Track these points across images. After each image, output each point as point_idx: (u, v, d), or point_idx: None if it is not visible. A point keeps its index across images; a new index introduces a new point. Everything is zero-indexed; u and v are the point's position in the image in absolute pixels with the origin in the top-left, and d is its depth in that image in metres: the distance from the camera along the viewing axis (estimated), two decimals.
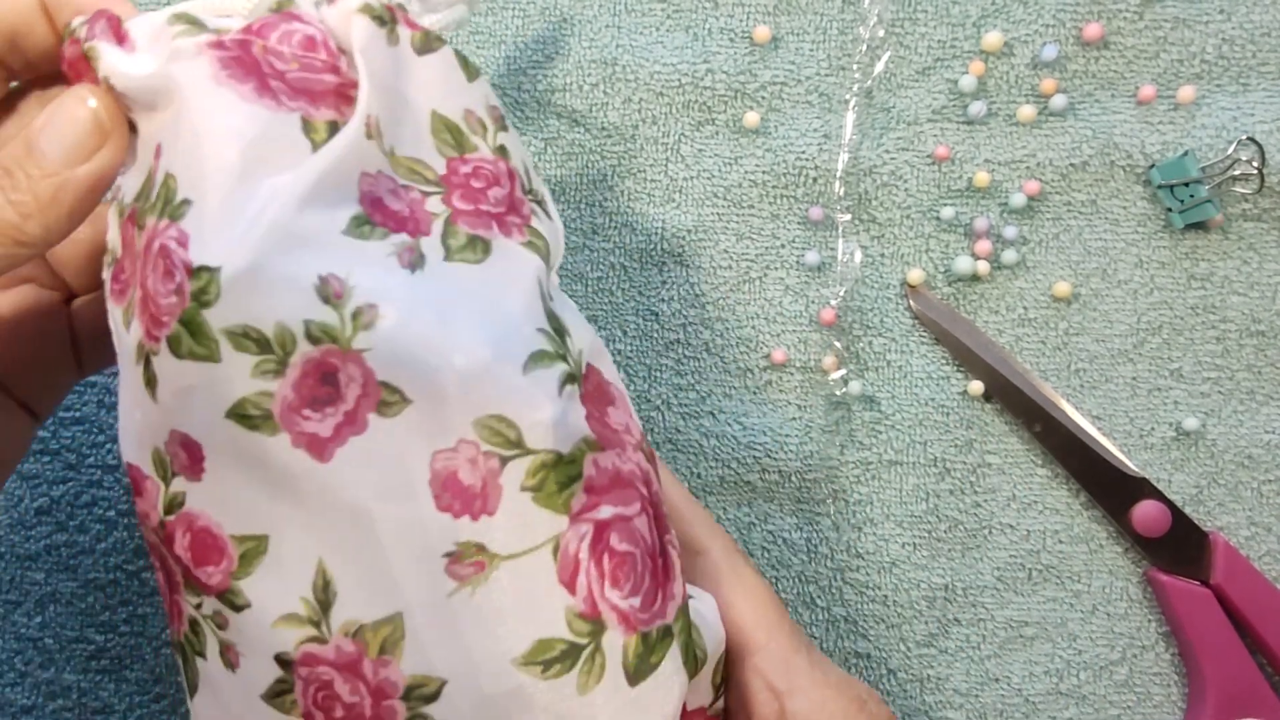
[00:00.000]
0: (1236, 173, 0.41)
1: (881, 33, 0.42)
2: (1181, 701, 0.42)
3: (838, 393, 0.42)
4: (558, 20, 0.42)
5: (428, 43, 0.27)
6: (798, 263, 0.42)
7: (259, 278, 0.23)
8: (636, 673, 0.26)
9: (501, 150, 0.28)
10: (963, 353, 0.42)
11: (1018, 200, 0.42)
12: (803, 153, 0.42)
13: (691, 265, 0.42)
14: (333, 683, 0.25)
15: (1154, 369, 0.42)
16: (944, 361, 0.42)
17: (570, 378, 0.27)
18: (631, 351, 0.42)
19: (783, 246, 0.42)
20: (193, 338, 0.23)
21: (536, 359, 0.26)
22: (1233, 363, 0.42)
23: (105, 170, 0.26)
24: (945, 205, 0.42)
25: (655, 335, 0.42)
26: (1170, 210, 0.42)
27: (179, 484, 0.25)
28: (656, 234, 0.42)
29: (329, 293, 0.24)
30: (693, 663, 0.28)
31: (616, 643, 0.26)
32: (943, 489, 0.42)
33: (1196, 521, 0.41)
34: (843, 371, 0.42)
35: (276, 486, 0.24)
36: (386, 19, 0.26)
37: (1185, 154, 0.41)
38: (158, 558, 0.27)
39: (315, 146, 0.25)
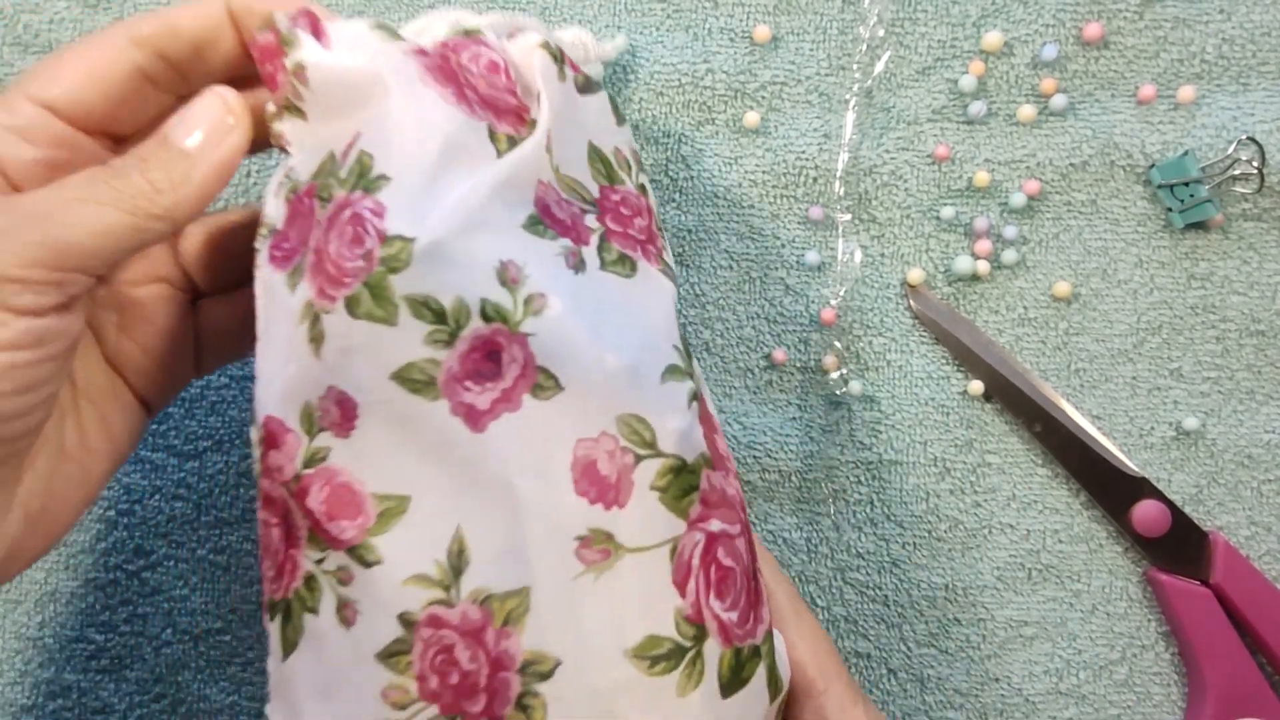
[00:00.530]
0: (1236, 173, 0.41)
1: (881, 32, 0.42)
2: (1181, 701, 0.42)
3: (837, 392, 0.42)
4: (558, 20, 0.42)
5: (589, 85, 0.31)
6: (798, 263, 0.42)
7: (447, 253, 0.25)
8: (729, 685, 0.28)
9: (643, 188, 0.32)
10: (963, 353, 0.42)
11: (1018, 200, 0.42)
12: (803, 153, 0.42)
13: (692, 265, 0.42)
14: (454, 648, 0.26)
15: (1154, 369, 0.42)
16: (944, 361, 0.42)
17: (694, 395, 0.29)
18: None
19: (783, 246, 0.42)
20: (374, 300, 0.25)
21: (671, 372, 0.28)
22: (1233, 363, 0.42)
23: (233, 155, 0.28)
24: (945, 205, 0.42)
25: None
26: (1170, 210, 0.42)
27: (324, 439, 0.26)
28: None
29: (506, 277, 0.26)
30: (775, 687, 0.29)
31: (714, 652, 0.27)
32: (943, 489, 0.42)
33: (1196, 521, 0.41)
34: (842, 371, 0.42)
35: (426, 451, 0.26)
36: (558, 58, 0.30)
37: (1185, 154, 0.41)
38: (279, 513, 0.28)
39: (499, 153, 0.27)
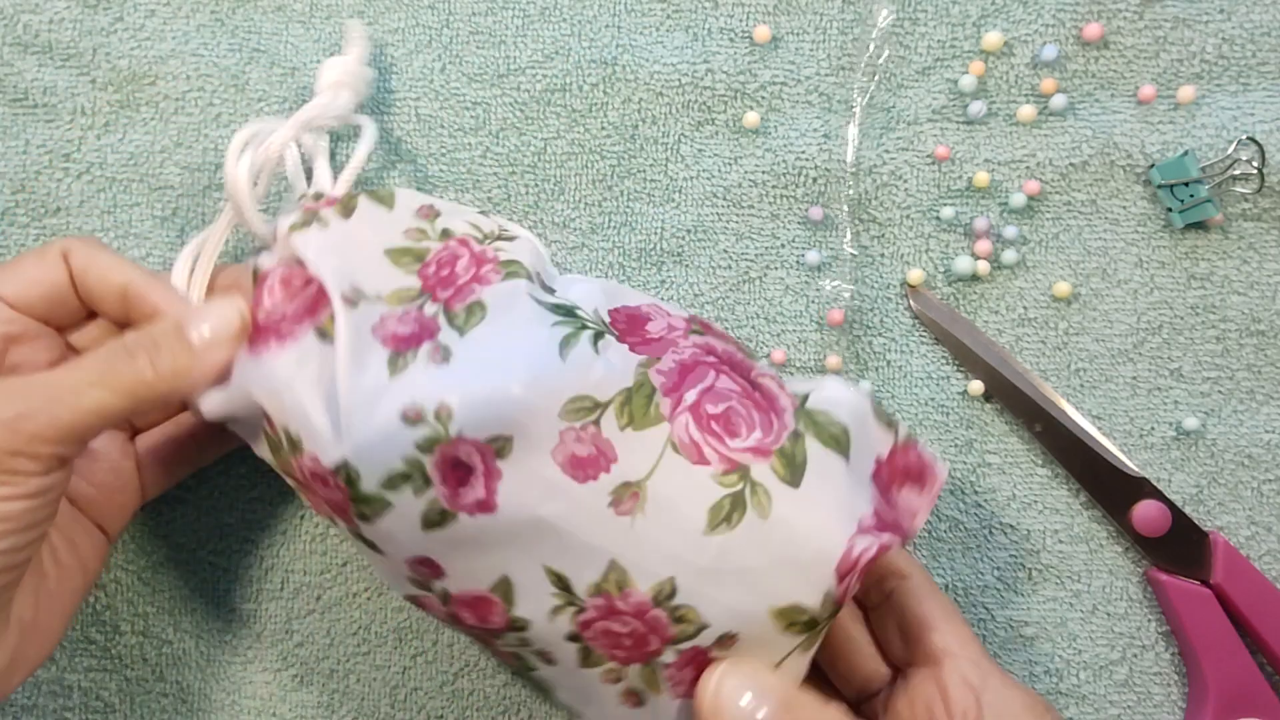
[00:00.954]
0: (1236, 172, 0.41)
1: (883, 29, 0.42)
2: (1181, 701, 0.42)
3: None
4: (558, 20, 0.42)
5: (347, 207, 0.35)
6: (798, 263, 0.42)
7: (370, 446, 0.30)
8: (793, 476, 0.32)
9: (445, 233, 0.35)
10: (963, 353, 0.42)
11: (1018, 200, 0.42)
12: (803, 153, 0.42)
13: (691, 265, 0.42)
14: (609, 627, 0.32)
15: (1154, 369, 0.42)
16: (944, 361, 0.42)
17: (598, 334, 0.33)
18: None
19: (783, 246, 0.42)
20: (366, 505, 0.31)
21: (566, 343, 0.32)
22: (1233, 363, 0.42)
23: (229, 359, 0.33)
24: (945, 205, 0.42)
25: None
26: (1170, 210, 0.42)
27: (437, 586, 0.33)
28: (656, 234, 0.42)
29: (412, 417, 0.30)
30: (833, 440, 0.33)
31: (764, 471, 0.32)
32: (943, 489, 0.42)
33: (1196, 521, 0.41)
34: (846, 372, 0.42)
35: (484, 545, 0.32)
36: (309, 219, 0.34)
37: (1185, 154, 0.41)
38: (463, 629, 0.35)
39: (333, 339, 0.32)
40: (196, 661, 0.42)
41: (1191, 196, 0.41)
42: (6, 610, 0.32)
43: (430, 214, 0.36)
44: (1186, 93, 0.41)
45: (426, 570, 0.33)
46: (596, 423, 0.32)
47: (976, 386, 0.42)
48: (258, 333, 0.33)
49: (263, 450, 0.34)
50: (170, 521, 0.42)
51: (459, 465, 0.31)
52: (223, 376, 0.33)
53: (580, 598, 0.32)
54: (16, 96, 0.42)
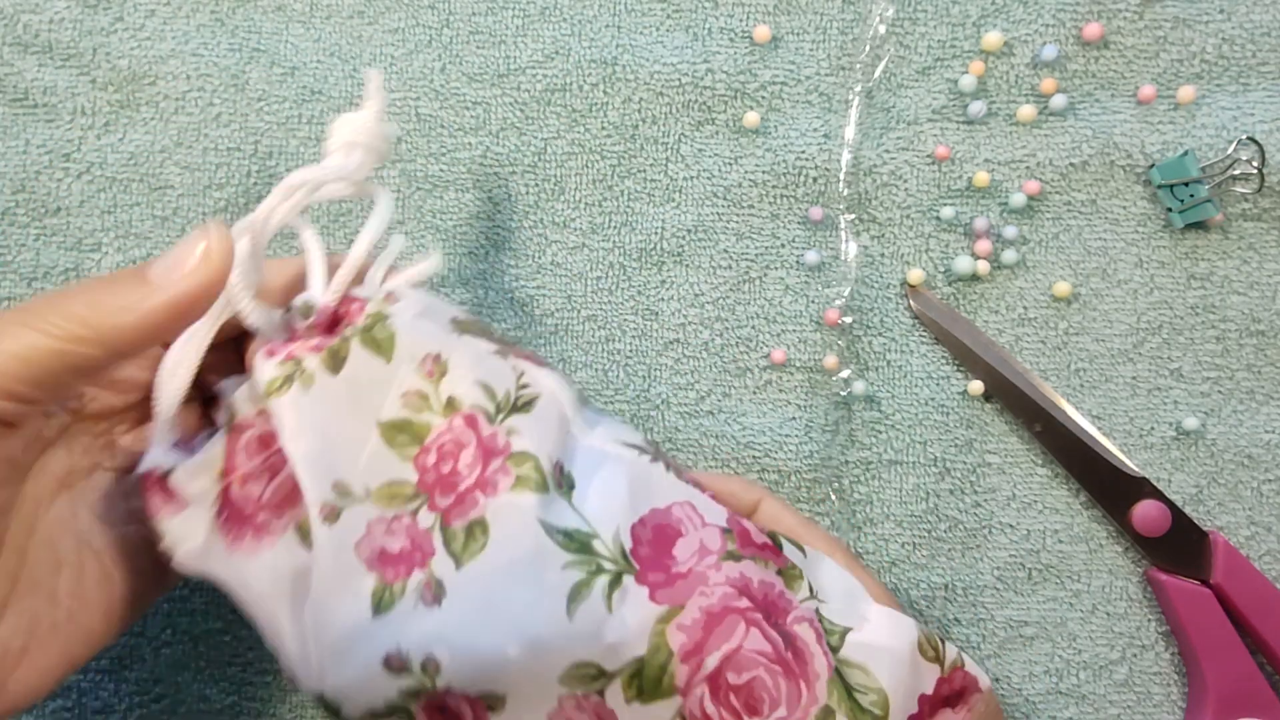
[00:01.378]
0: (1236, 172, 0.41)
1: (883, 29, 0.42)
2: (1181, 701, 0.42)
3: (841, 393, 0.42)
4: (558, 20, 0.42)
5: (336, 358, 0.30)
6: (798, 263, 0.42)
7: (348, 687, 0.28)
8: None
9: (450, 404, 0.31)
10: (963, 353, 0.42)
11: (1018, 200, 0.42)
12: (803, 153, 0.42)
13: (691, 265, 0.42)
14: None
15: (1154, 369, 0.42)
16: (944, 361, 0.42)
17: (615, 578, 0.29)
18: (631, 351, 0.42)
19: (783, 246, 0.42)
20: None
21: (576, 595, 0.29)
22: (1233, 363, 0.42)
23: (191, 292, 0.28)
24: (945, 205, 0.42)
25: (655, 335, 0.42)
26: (1170, 210, 0.42)
27: None
28: (656, 234, 0.42)
29: (395, 667, 0.28)
30: (867, 715, 0.30)
31: None
32: (943, 489, 0.42)
33: (1196, 521, 0.41)
34: (847, 372, 0.42)
35: None
36: (289, 374, 0.29)
37: (1185, 154, 0.41)
38: None
39: (311, 545, 0.29)
40: (196, 663, 0.42)
41: (1191, 196, 0.41)
42: None
43: (436, 370, 0.31)
44: (1186, 93, 0.41)
45: None
46: (600, 693, 0.29)
47: (976, 386, 0.42)
48: (233, 520, 0.29)
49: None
50: None
51: (447, 712, 0.28)
52: (190, 311, 0.28)
53: None
54: (16, 96, 0.42)
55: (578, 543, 0.29)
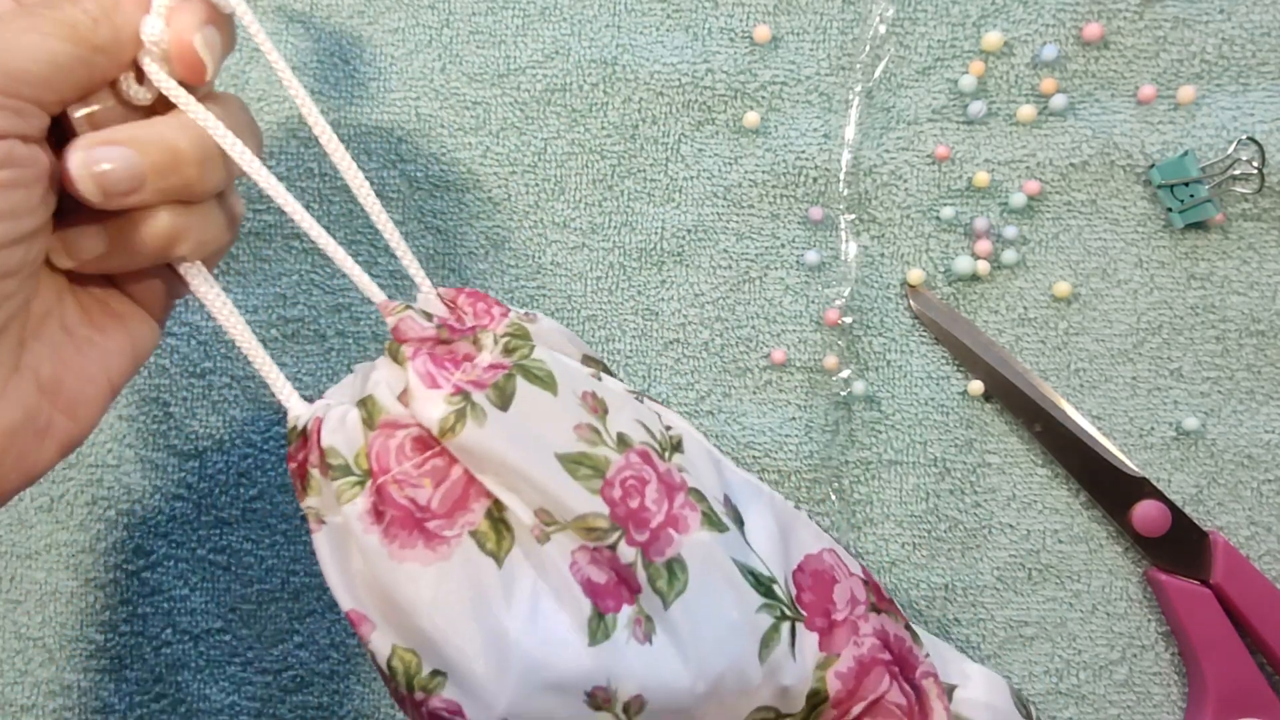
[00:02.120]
0: (1236, 172, 0.41)
1: (883, 29, 0.42)
2: (1181, 701, 0.42)
3: (841, 393, 0.42)
4: (558, 20, 0.42)
5: (504, 394, 0.29)
6: (798, 262, 0.42)
7: (537, 711, 0.27)
8: None
9: (621, 440, 0.30)
10: (963, 353, 0.42)
11: (1018, 200, 0.42)
12: (803, 153, 0.42)
13: (691, 265, 0.42)
14: None
15: (1154, 369, 0.42)
16: (944, 361, 0.42)
17: (792, 619, 0.30)
18: (631, 351, 0.42)
19: (783, 246, 0.42)
20: None
21: (767, 642, 0.29)
22: (1233, 363, 0.42)
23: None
24: (945, 205, 0.42)
25: (655, 335, 0.42)
26: (1170, 210, 0.41)
27: None
28: (656, 234, 0.42)
29: (599, 701, 0.27)
30: None
31: None
32: (943, 489, 0.42)
33: (1196, 521, 0.41)
34: (847, 372, 0.42)
35: None
36: (459, 416, 0.28)
37: (1185, 154, 0.41)
38: None
39: (499, 557, 0.28)
40: (195, 662, 0.42)
41: (1191, 196, 0.41)
42: (15, 354, 0.27)
43: (598, 407, 0.31)
44: (1186, 93, 0.41)
45: None
46: None
47: (976, 386, 0.42)
48: (402, 525, 0.28)
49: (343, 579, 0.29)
50: (169, 520, 0.42)
51: None
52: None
53: None
54: None
55: (764, 586, 0.30)
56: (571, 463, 0.29)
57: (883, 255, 0.42)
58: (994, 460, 0.42)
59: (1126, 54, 0.42)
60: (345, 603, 0.29)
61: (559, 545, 0.28)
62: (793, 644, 0.30)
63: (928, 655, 0.33)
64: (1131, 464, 0.41)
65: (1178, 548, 0.41)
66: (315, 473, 0.29)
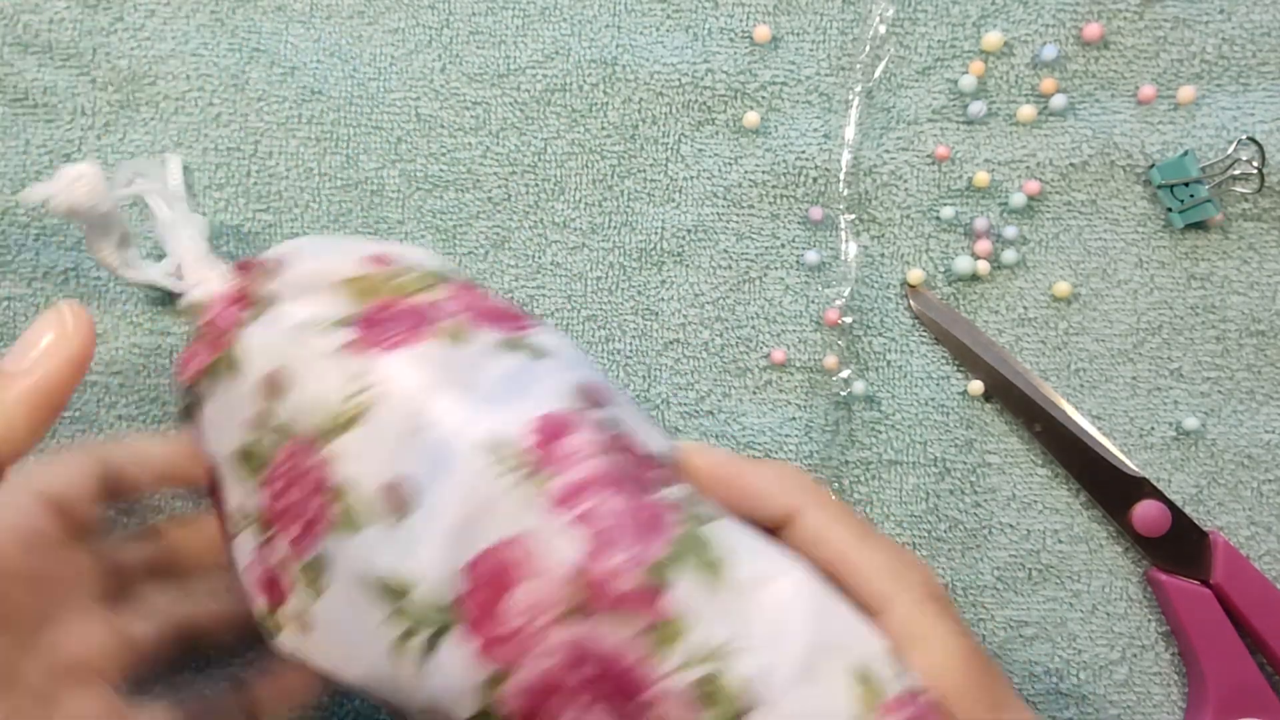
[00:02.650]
0: (1236, 172, 0.41)
1: (883, 29, 0.42)
2: (1181, 701, 0.42)
3: (841, 393, 0.42)
4: (558, 20, 0.42)
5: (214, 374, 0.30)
6: (798, 262, 0.42)
7: None
8: None
9: (281, 430, 0.29)
10: (963, 353, 0.42)
11: (1018, 200, 0.42)
12: (803, 153, 0.42)
13: (691, 265, 0.42)
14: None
15: (1154, 369, 0.42)
16: (944, 361, 0.42)
17: (435, 634, 0.26)
18: (630, 351, 0.42)
19: (783, 246, 0.42)
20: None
21: (397, 652, 0.27)
22: (1233, 363, 0.42)
23: (48, 382, 0.27)
24: (945, 205, 0.42)
25: (654, 335, 0.42)
26: (1170, 210, 0.42)
27: None
28: (656, 234, 0.42)
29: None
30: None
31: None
32: (943, 489, 0.42)
33: (1196, 521, 0.41)
34: (847, 372, 0.42)
35: None
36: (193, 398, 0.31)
37: (1185, 154, 0.41)
38: None
39: None
40: (196, 662, 0.41)
41: (1191, 196, 0.41)
42: None
43: (279, 389, 0.29)
44: (1186, 93, 0.41)
45: None
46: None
47: (976, 386, 0.42)
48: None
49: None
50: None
51: None
52: (64, 397, 0.27)
53: None
54: (16, 96, 0.42)
55: (395, 592, 0.26)
56: (239, 457, 0.29)
57: (883, 255, 0.42)
58: (994, 460, 0.42)
59: (1126, 54, 0.42)
60: None
61: (243, 541, 0.29)
62: (426, 655, 0.26)
63: (693, 664, 0.25)
64: (1131, 464, 0.41)
65: (1178, 548, 0.41)
66: None
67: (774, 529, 0.29)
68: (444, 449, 0.27)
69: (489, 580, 0.26)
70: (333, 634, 0.28)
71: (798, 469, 0.32)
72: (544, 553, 0.26)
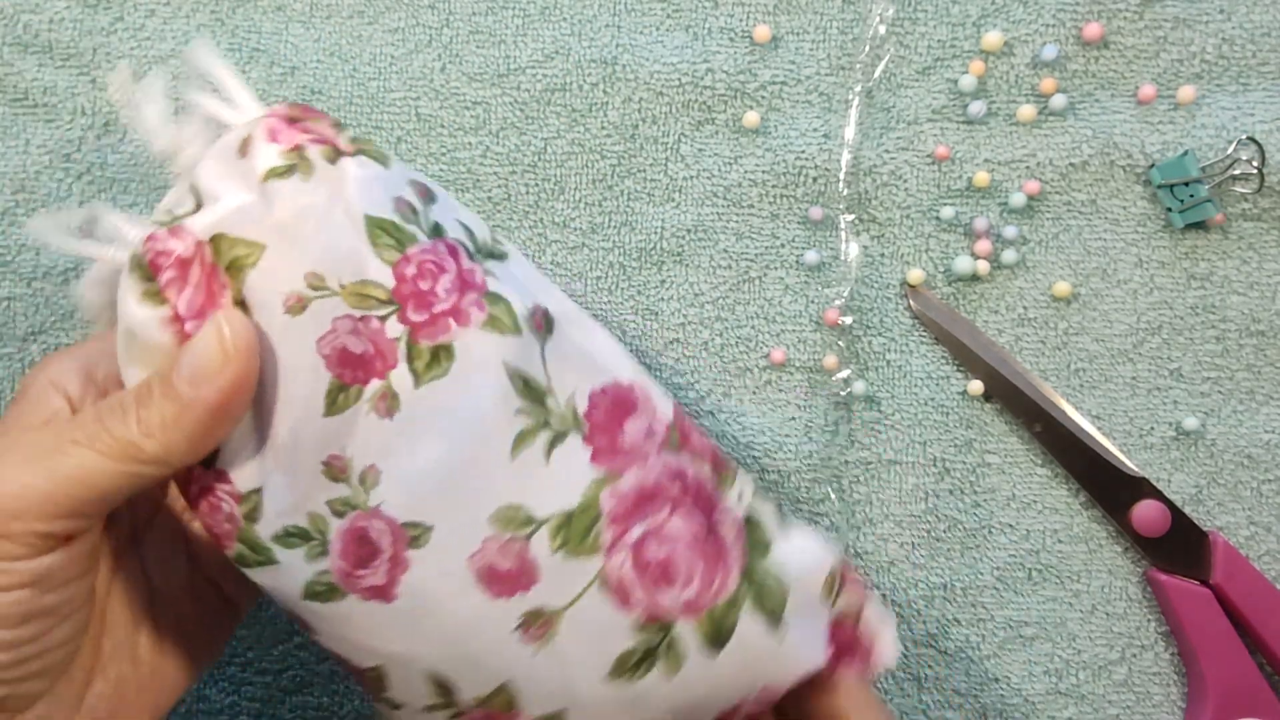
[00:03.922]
0: (1236, 172, 0.41)
1: (883, 29, 0.42)
2: (1181, 701, 0.42)
3: (841, 393, 0.42)
4: (558, 20, 0.42)
5: (336, 151, 0.29)
6: (797, 262, 0.42)
7: (282, 483, 0.28)
8: (715, 642, 0.30)
9: (436, 229, 0.30)
10: (963, 353, 0.42)
11: (1018, 200, 0.42)
12: (803, 153, 0.42)
13: (691, 265, 0.42)
14: None
15: (1154, 369, 0.42)
16: (944, 361, 0.42)
17: (558, 436, 0.30)
18: (631, 351, 0.42)
19: (782, 246, 0.42)
20: (252, 550, 0.29)
21: (520, 441, 0.29)
22: (1232, 363, 0.42)
23: (224, 396, 0.27)
24: (945, 205, 0.42)
25: (655, 335, 0.42)
26: (1170, 210, 0.42)
27: (316, 639, 0.31)
28: (656, 233, 0.42)
29: (335, 472, 0.28)
30: (769, 609, 0.31)
31: (688, 629, 0.30)
32: (942, 489, 0.42)
33: (1196, 521, 0.41)
34: (847, 372, 0.42)
35: (366, 633, 0.29)
36: (290, 164, 0.29)
37: (1185, 154, 0.41)
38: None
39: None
40: None
41: (1191, 196, 0.41)
42: (79, 692, 0.29)
43: (425, 196, 0.31)
44: (1186, 93, 0.41)
45: (302, 625, 0.31)
46: (527, 538, 0.29)
47: (976, 386, 0.42)
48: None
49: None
50: None
51: (364, 543, 0.28)
52: (230, 416, 0.28)
53: (462, 705, 0.30)
54: (16, 96, 0.42)
55: (534, 392, 0.29)
56: (377, 226, 0.29)
57: (883, 255, 0.42)
58: (994, 460, 0.42)
59: (1126, 54, 0.42)
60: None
61: (315, 314, 0.28)
62: (549, 451, 0.29)
63: (740, 503, 0.32)
64: (1131, 464, 0.41)
65: (1177, 548, 0.41)
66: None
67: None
68: (590, 321, 0.32)
69: (613, 405, 0.31)
70: (440, 416, 0.28)
71: None
72: (653, 404, 0.32)
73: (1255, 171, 0.41)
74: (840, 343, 0.42)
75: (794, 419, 0.42)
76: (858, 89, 0.42)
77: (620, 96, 0.42)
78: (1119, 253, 0.42)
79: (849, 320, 0.42)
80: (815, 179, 0.42)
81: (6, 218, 0.42)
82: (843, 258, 0.42)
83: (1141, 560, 0.42)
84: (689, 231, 0.42)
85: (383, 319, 0.28)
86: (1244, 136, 0.41)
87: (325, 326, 0.28)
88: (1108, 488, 0.41)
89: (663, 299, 0.42)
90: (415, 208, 0.30)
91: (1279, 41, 0.42)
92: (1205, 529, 0.41)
